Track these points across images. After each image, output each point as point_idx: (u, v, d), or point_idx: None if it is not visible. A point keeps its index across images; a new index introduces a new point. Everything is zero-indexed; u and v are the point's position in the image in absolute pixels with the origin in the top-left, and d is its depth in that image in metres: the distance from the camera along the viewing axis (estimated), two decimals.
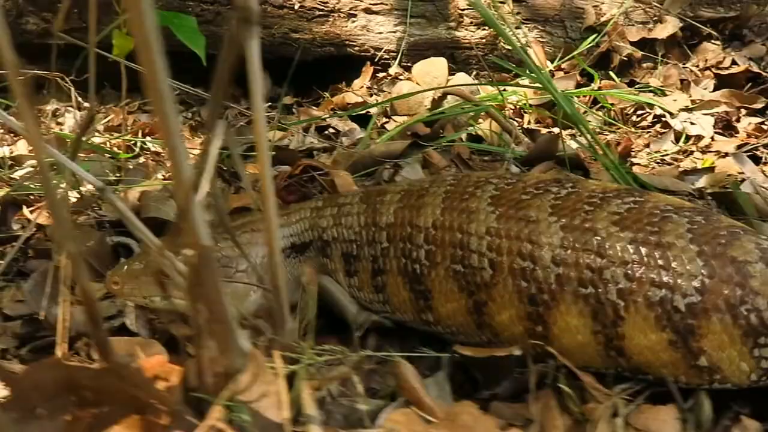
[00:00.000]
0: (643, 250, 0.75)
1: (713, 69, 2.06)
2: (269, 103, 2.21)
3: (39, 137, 0.52)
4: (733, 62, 2.06)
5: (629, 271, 0.75)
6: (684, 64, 2.13)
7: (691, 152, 1.62)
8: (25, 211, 1.22)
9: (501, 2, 2.34)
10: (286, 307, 0.62)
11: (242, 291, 0.92)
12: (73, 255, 0.55)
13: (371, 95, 2.25)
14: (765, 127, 1.70)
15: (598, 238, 0.77)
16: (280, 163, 1.32)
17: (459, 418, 0.63)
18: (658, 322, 0.74)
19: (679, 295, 0.73)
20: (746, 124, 1.76)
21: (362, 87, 2.30)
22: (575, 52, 2.08)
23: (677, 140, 1.67)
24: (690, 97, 1.87)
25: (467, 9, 2.37)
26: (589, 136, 1.25)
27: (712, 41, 2.16)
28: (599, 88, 1.97)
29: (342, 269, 0.94)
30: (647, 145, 1.67)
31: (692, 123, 1.70)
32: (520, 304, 0.79)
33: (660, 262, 0.74)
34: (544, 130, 1.58)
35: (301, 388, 0.57)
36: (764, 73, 1.95)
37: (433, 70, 1.92)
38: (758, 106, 1.81)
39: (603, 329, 0.76)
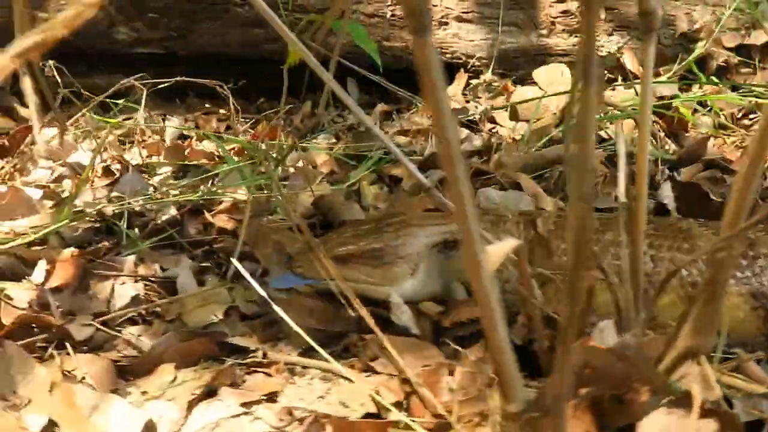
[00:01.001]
0: None
1: None
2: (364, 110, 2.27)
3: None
4: None
5: None
6: None
7: None
8: (207, 215, 1.30)
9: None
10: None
11: (399, 273, 1.01)
12: None
13: (467, 102, 2.31)
14: None
15: None
16: (430, 168, 1.37)
17: None
18: None
19: None
20: None
21: (456, 94, 2.35)
22: (690, 58, 2.09)
23: None
24: None
25: (559, 16, 2.42)
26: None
27: None
28: (703, 94, 2.00)
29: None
30: None
31: None
32: None
33: None
34: (685, 134, 1.63)
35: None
36: None
37: (557, 75, 1.97)
38: None
39: None
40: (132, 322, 1.00)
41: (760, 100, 1.89)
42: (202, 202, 1.37)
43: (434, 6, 2.48)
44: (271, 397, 0.79)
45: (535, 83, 2.01)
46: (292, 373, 0.85)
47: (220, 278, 1.11)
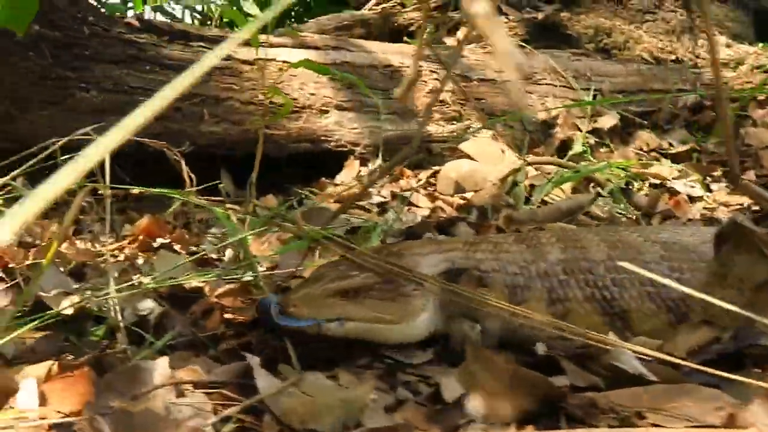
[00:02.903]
0: None
1: (655, 151, 2.41)
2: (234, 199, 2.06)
3: None
4: (670, 144, 2.45)
5: None
6: (627, 147, 2.47)
7: None
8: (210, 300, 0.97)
9: (462, 102, 2.52)
10: None
11: (416, 307, 0.91)
12: None
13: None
14: None
15: None
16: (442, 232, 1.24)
17: None
18: None
19: None
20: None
21: (350, 180, 2.24)
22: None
23: None
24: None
25: (435, 106, 2.50)
26: None
27: (644, 130, 2.55)
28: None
29: (505, 298, 0.95)
30: None
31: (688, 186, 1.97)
32: None
33: None
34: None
35: None
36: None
37: (487, 146, 1.97)
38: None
39: None
40: None
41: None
42: (182, 292, 1.04)
43: (312, 94, 2.40)
44: None
45: (463, 156, 2.00)
46: None
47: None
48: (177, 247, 1.59)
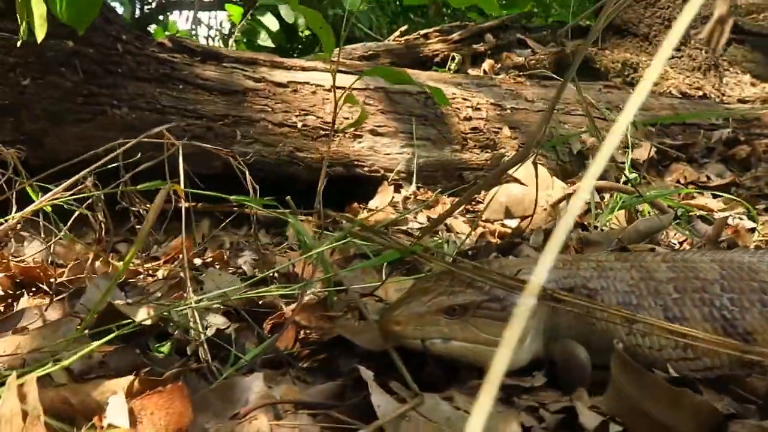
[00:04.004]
0: None
1: (693, 184, 2.36)
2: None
3: None
4: (708, 177, 2.40)
5: None
6: (664, 179, 2.42)
7: None
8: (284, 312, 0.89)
9: (497, 129, 2.48)
10: None
11: (525, 329, 0.83)
12: None
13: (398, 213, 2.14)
14: None
15: None
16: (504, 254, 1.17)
17: None
18: None
19: None
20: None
21: (385, 205, 2.18)
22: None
23: None
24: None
25: (470, 133, 2.45)
26: None
27: (681, 162, 2.50)
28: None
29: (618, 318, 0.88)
30: None
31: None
32: None
33: None
34: None
35: None
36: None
37: (532, 171, 1.91)
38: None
39: None
40: None
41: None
42: (253, 307, 0.96)
43: (346, 119, 2.35)
44: None
45: (514, 180, 1.94)
46: None
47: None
48: (217, 266, 1.51)
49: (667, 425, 0.59)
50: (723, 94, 3.30)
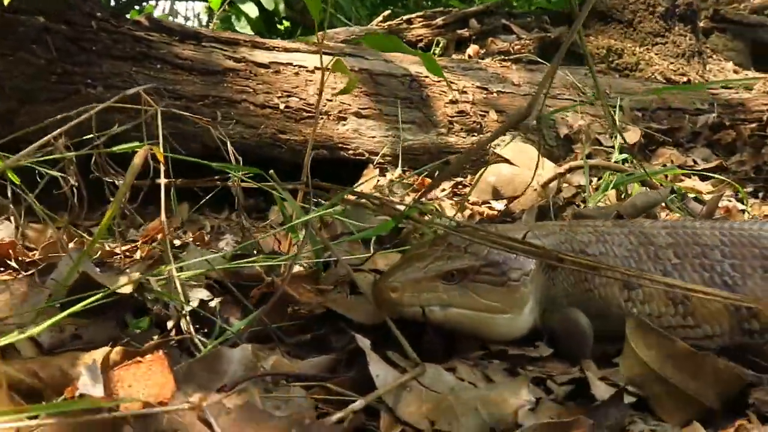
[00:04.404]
0: None
1: (680, 167, 2.35)
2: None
3: None
4: (694, 161, 2.39)
5: None
6: (651, 163, 2.40)
7: None
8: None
9: (483, 112, 2.44)
10: None
11: (525, 296, 0.80)
12: None
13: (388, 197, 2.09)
14: None
15: None
16: None
17: None
18: None
19: None
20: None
21: (370, 189, 2.13)
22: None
23: None
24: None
25: (456, 116, 2.41)
26: None
27: (667, 147, 2.49)
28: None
29: (618, 283, 0.85)
30: None
31: None
32: None
33: None
34: None
35: None
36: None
37: (525, 151, 1.87)
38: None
39: None
40: None
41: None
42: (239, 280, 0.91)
43: (329, 101, 2.29)
44: None
45: (502, 160, 1.90)
46: None
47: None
48: (198, 245, 1.45)
49: (688, 392, 0.55)
50: (706, 81, 3.29)
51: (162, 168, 0.88)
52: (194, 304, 0.78)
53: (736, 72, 3.42)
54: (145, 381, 0.55)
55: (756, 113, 2.79)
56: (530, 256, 0.74)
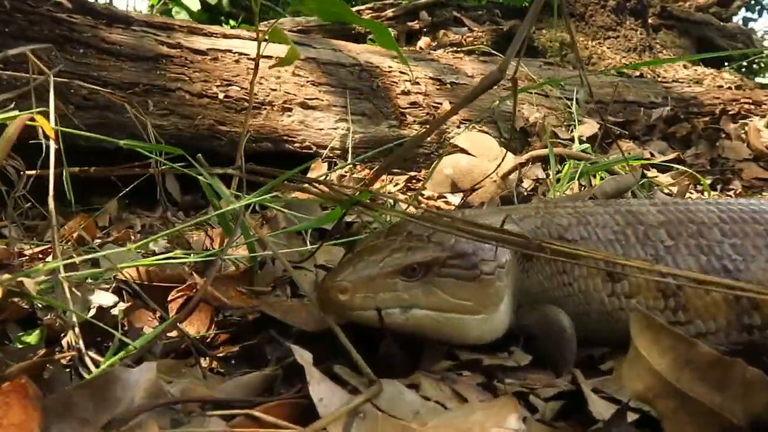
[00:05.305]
0: None
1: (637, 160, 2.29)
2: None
3: None
4: (651, 154, 2.33)
5: None
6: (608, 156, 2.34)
7: None
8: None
9: (436, 105, 2.33)
10: None
11: (500, 291, 0.67)
12: None
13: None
14: None
15: None
16: None
17: None
18: None
19: None
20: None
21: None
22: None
23: None
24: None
25: (408, 108, 2.29)
26: None
27: (623, 140, 2.43)
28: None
29: (601, 273, 0.74)
30: None
31: None
32: None
33: None
34: None
35: None
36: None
37: (483, 141, 1.76)
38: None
39: None
40: None
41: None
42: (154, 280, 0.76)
43: (273, 90, 2.14)
44: None
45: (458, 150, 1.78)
46: None
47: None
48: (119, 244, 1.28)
49: (712, 407, 0.43)
50: (658, 75, 3.28)
51: (53, 146, 0.72)
52: (92, 312, 0.62)
53: (685, 67, 3.42)
54: (2, 422, 0.40)
55: (708, 107, 2.77)
56: (505, 244, 0.62)
